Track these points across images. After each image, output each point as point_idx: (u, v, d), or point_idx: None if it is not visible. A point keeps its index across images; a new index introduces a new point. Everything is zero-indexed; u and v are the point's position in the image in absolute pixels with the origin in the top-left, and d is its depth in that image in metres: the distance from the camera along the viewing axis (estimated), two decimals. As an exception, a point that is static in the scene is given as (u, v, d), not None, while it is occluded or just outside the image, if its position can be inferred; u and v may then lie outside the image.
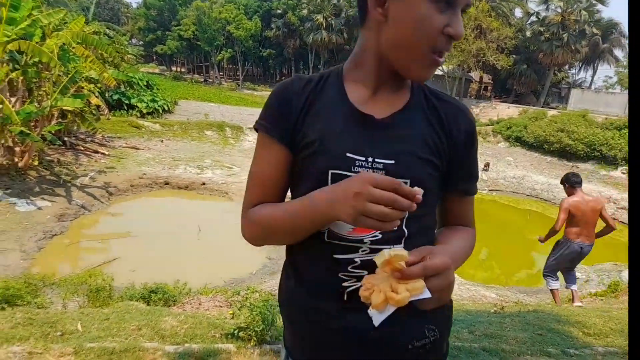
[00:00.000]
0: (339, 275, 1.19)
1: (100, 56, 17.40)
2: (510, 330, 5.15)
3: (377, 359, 1.17)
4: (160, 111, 27.52)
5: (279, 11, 57.69)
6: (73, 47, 15.88)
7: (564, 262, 6.52)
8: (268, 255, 11.81)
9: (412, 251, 1.00)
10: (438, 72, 41.68)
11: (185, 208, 15.64)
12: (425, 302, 0.96)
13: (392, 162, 1.15)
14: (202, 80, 65.32)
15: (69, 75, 15.08)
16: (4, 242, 10.98)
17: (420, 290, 0.93)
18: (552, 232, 6.24)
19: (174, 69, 72.93)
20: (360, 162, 1.14)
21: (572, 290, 6.83)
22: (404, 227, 1.18)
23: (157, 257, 11.60)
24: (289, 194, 1.34)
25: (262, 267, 11.23)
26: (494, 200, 21.01)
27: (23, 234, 11.60)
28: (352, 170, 1.14)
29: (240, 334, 3.85)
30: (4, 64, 13.88)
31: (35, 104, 14.46)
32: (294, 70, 62.62)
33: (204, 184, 16.89)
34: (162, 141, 21.40)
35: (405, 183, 1.11)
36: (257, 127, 1.28)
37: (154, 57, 74.41)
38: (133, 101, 26.23)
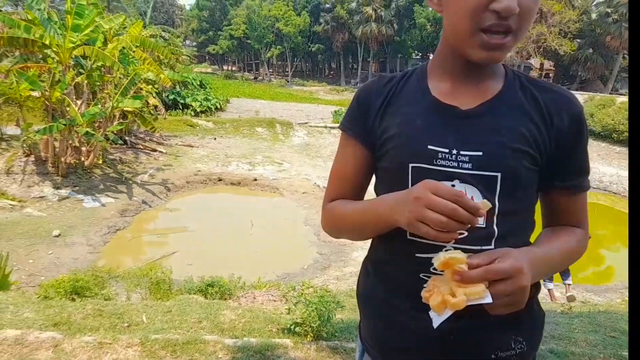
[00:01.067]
0: (420, 275, 1.13)
1: (156, 58, 18.11)
2: (579, 332, 4.81)
3: None
4: (213, 109, 28.33)
5: (327, 5, 57.60)
6: (132, 51, 16.66)
7: None
8: (319, 251, 11.83)
9: (483, 254, 0.97)
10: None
11: (238, 203, 15.98)
12: (496, 308, 0.93)
13: (480, 153, 1.07)
14: (253, 77, 66.53)
15: (129, 78, 15.81)
16: (73, 237, 11.69)
17: (480, 295, 0.90)
18: None
19: (225, 67, 74.82)
20: (443, 155, 1.08)
21: (566, 284, 8.29)
22: (494, 227, 1.09)
23: (212, 251, 11.93)
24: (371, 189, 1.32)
25: (314, 262, 11.25)
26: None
27: (89, 228, 12.29)
28: (435, 163, 1.09)
29: (297, 329, 3.83)
30: (70, 69, 14.77)
31: (99, 106, 15.27)
32: (343, 64, 62.38)
33: (255, 179, 17.17)
34: (215, 139, 22.00)
35: (496, 177, 1.06)
36: (339, 127, 1.31)
37: (207, 57, 76.68)
38: (187, 100, 27.17)
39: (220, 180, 17.19)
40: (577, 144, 1.14)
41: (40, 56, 15.33)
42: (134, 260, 11.43)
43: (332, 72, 71.79)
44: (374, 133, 1.20)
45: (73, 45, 14.04)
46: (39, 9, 14.11)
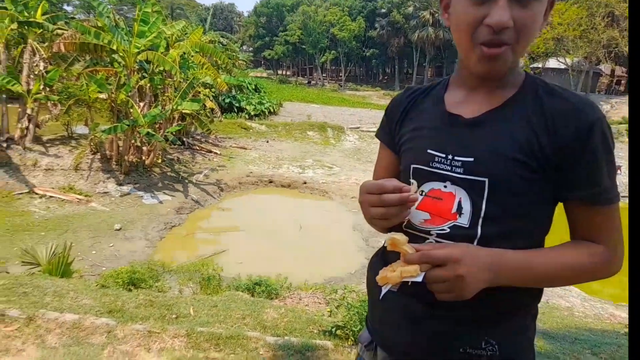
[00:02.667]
0: None
1: (214, 63, 18.76)
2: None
3: (430, 348, 1.20)
4: (267, 113, 28.96)
5: (383, 10, 57.32)
6: (192, 56, 17.38)
7: None
8: (367, 256, 11.69)
9: (430, 243, 1.14)
10: (560, 65, 37.98)
11: (288, 206, 16.18)
12: (437, 293, 1.04)
13: (471, 159, 1.13)
14: (306, 82, 67.42)
15: (188, 82, 16.49)
16: (132, 231, 12.32)
17: (412, 274, 1.03)
18: None
19: (280, 72, 76.35)
20: (439, 159, 1.18)
21: None
22: (478, 228, 1.12)
23: (261, 251, 12.14)
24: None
25: (361, 268, 11.14)
26: (625, 208, 18.47)
27: (148, 224, 12.89)
28: (431, 165, 1.19)
29: (338, 332, 3.80)
30: (135, 73, 15.63)
31: (160, 108, 16.02)
32: (397, 69, 61.78)
33: (305, 182, 17.31)
34: (267, 141, 22.45)
35: (483, 182, 1.11)
36: (375, 134, 1.53)
37: (262, 62, 78.62)
38: (242, 104, 27.95)
39: (271, 182, 17.48)
40: (587, 153, 1.08)
41: (108, 60, 16.35)
42: (187, 256, 11.85)
43: (386, 77, 71.21)
44: (396, 138, 1.35)
45: (138, 50, 14.84)
46: (108, 17, 15.06)
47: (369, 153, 21.95)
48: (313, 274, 10.31)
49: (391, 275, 1.07)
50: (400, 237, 1.07)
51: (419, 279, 1.04)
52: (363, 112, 35.97)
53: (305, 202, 16.29)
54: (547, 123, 1.10)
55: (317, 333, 3.95)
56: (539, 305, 1.25)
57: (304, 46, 60.30)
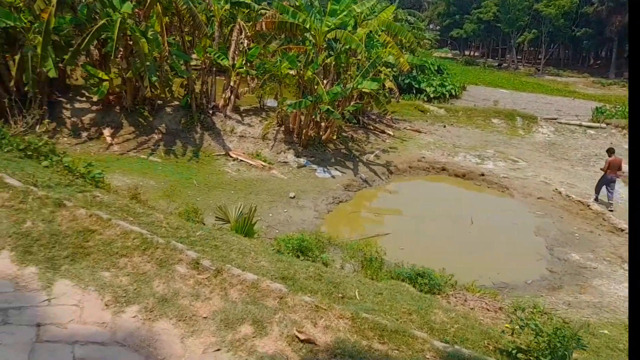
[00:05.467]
0: None
1: (399, 42, 18.42)
2: None
3: None
4: (447, 96, 27.57)
5: (605, -18, 49.07)
6: (378, 35, 17.35)
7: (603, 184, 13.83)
8: (550, 267, 10.22)
9: None
10: None
11: (460, 197, 15.17)
12: None
13: None
14: (496, 64, 62.22)
15: (371, 61, 16.55)
16: (304, 201, 13.07)
17: None
18: (604, 172, 13.81)
19: (467, 53, 72.11)
20: None
21: (610, 201, 13.64)
22: None
23: (425, 240, 11.64)
24: None
25: (540, 279, 9.79)
26: None
27: (318, 196, 13.52)
28: None
29: (519, 355, 3.23)
30: (323, 51, 16.33)
31: (341, 86, 16.48)
32: (616, 53, 52.04)
33: (482, 174, 15.97)
34: (444, 126, 21.38)
35: None
36: None
37: (448, 42, 75.32)
38: (422, 85, 27.10)
39: (443, 169, 16.63)
40: None
41: (300, 39, 17.41)
42: (351, 232, 12.08)
43: (598, 62, 61.18)
44: None
45: (328, 28, 15.40)
46: (305, -4, 15.96)
47: (565, 149, 19.15)
48: (481, 274, 9.44)
49: None
50: None
51: None
52: (563, 101, 31.46)
53: (480, 196, 15.05)
54: None
55: (492, 350, 3.43)
56: None
57: (498, 24, 55.30)
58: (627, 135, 20.77)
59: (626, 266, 10.32)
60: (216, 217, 6.65)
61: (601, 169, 14.11)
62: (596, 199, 13.96)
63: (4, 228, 3.91)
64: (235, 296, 3.56)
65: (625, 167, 13.89)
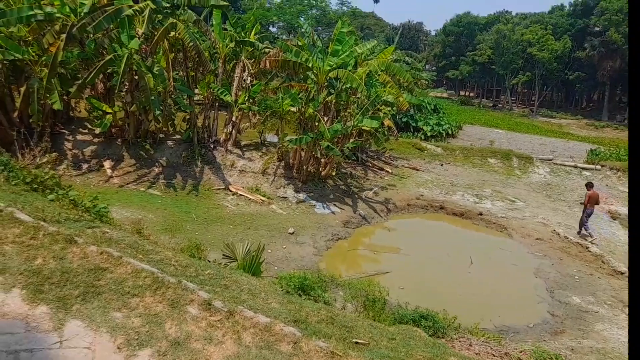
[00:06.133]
0: None
1: (397, 82, 18.88)
2: None
3: None
4: (444, 135, 28.04)
5: (597, 29, 50.43)
6: (378, 74, 17.79)
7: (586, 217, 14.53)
8: (551, 311, 10.14)
9: None
10: None
11: (458, 236, 15.18)
12: None
13: None
14: (491, 105, 63.68)
15: (371, 99, 16.90)
16: (304, 237, 13.01)
17: None
18: (584, 205, 14.55)
19: (462, 93, 73.89)
20: None
21: (590, 234, 14.43)
22: None
23: (425, 279, 11.55)
24: None
25: (542, 322, 9.69)
26: None
27: (317, 232, 13.47)
28: None
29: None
30: (324, 89, 16.68)
31: (342, 124, 16.75)
32: (608, 96, 53.66)
33: (480, 214, 16.04)
34: (442, 165, 21.62)
35: None
36: None
37: (444, 82, 77.14)
38: (419, 124, 27.59)
39: (442, 208, 16.69)
40: None
41: (302, 77, 17.81)
42: (349, 270, 11.96)
43: (591, 105, 62.80)
44: None
45: (330, 68, 15.80)
46: (308, 37, 16.44)
47: (562, 190, 19.45)
48: (482, 317, 9.31)
49: None
50: None
51: None
52: (558, 142, 32.04)
53: (478, 236, 15.06)
54: None
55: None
56: None
57: (493, 66, 57.05)
58: (621, 178, 21.09)
59: (627, 311, 10.28)
60: (223, 255, 6.60)
61: (581, 203, 14.88)
62: (578, 233, 14.67)
63: (15, 265, 3.87)
64: (248, 340, 3.50)
65: (602, 201, 15.70)
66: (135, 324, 3.53)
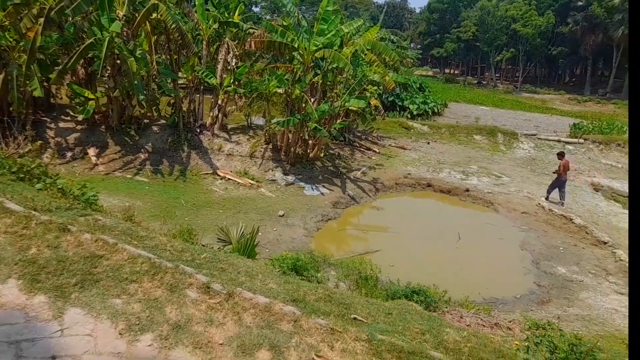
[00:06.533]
0: None
1: (383, 60, 18.79)
2: None
3: None
4: (430, 113, 28.13)
5: (580, 3, 50.75)
6: (364, 54, 17.68)
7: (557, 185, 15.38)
8: (537, 281, 10.43)
9: None
10: None
11: (446, 213, 15.41)
12: None
13: None
14: (476, 82, 64.00)
15: (357, 79, 16.82)
16: (294, 219, 13.06)
17: None
18: (557, 174, 15.31)
19: (447, 71, 73.98)
20: None
21: (562, 202, 15.16)
22: None
23: (415, 256, 11.74)
24: None
25: (529, 293, 9.98)
26: None
27: (307, 214, 13.53)
28: None
29: (534, 373, 3.30)
30: (310, 70, 16.53)
31: (329, 104, 16.68)
32: (590, 71, 54.24)
33: (467, 190, 16.26)
34: (428, 143, 21.74)
35: None
36: None
37: (429, 60, 77.08)
38: (406, 103, 27.61)
39: (429, 185, 16.87)
40: None
41: (287, 58, 17.60)
42: (340, 249, 12.11)
43: (574, 80, 63.47)
44: None
45: (316, 48, 15.63)
46: (294, 16, 16.20)
47: (545, 164, 19.70)
48: (471, 290, 9.56)
49: None
50: None
51: None
52: (541, 117, 32.43)
53: (466, 212, 15.30)
54: None
55: (506, 368, 3.50)
56: None
57: (477, 43, 57.17)
58: (604, 150, 21.49)
59: (611, 279, 10.62)
60: (218, 239, 6.61)
61: (554, 172, 15.47)
62: (546, 198, 15.43)
63: (9, 255, 3.83)
64: (249, 320, 3.56)
65: (573, 166, 17.09)
66: (136, 309, 3.55)
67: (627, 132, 24.55)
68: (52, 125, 15.93)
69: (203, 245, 6.06)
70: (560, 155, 15.61)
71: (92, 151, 15.41)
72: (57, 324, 3.30)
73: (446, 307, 7.60)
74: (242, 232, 6.39)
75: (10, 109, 14.00)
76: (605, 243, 12.33)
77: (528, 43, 53.33)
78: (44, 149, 14.77)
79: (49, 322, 3.31)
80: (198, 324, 3.48)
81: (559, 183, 15.24)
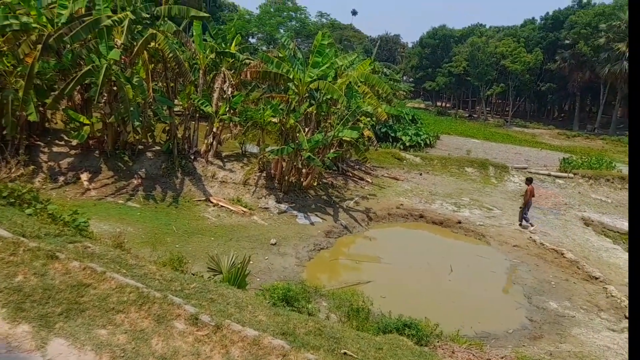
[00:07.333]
0: None
1: (376, 92, 19.16)
2: None
3: None
4: (422, 145, 28.50)
5: (567, 41, 52.30)
6: (358, 85, 18.03)
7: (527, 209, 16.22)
8: (529, 316, 10.35)
9: None
10: None
11: (438, 244, 15.39)
12: None
13: None
14: (467, 115, 65.16)
15: (351, 110, 17.08)
16: (285, 247, 12.97)
17: None
18: (525, 200, 16.24)
19: (439, 104, 75.39)
20: None
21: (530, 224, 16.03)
22: None
23: (406, 288, 11.63)
24: None
25: (521, 328, 9.89)
26: None
27: (299, 242, 13.44)
28: None
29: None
30: (305, 100, 16.79)
31: (323, 134, 16.86)
32: (579, 106, 55.73)
33: (459, 222, 16.30)
34: (421, 174, 21.92)
35: None
36: None
37: (421, 93, 78.65)
38: (398, 134, 27.99)
39: (421, 217, 16.90)
40: None
41: (283, 88, 17.90)
42: (331, 280, 11.98)
43: (562, 115, 64.95)
44: None
45: (310, 79, 15.94)
46: (289, 48, 16.56)
47: (536, 198, 19.33)
48: (463, 324, 9.47)
49: None
50: None
51: None
52: (532, 151, 32.95)
53: (458, 244, 15.29)
54: None
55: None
56: None
57: (468, 78, 58.66)
58: (593, 185, 21.77)
59: (603, 315, 10.57)
60: (208, 268, 6.55)
61: (521, 196, 16.65)
62: (520, 225, 16.17)
63: (-5, 282, 3.78)
64: (236, 354, 3.50)
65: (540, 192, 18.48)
66: (121, 340, 3.49)
67: (616, 168, 24.97)
68: (46, 150, 15.91)
69: (193, 274, 5.99)
70: (529, 181, 16.68)
71: (84, 176, 15.35)
72: (39, 355, 3.23)
73: (438, 342, 7.51)
74: (233, 262, 6.34)
75: (4, 132, 14.00)
76: (596, 278, 12.33)
77: (517, 79, 54.82)
78: (36, 173, 14.71)
79: (32, 352, 3.24)
80: (184, 357, 3.42)
81: (528, 207, 16.16)
